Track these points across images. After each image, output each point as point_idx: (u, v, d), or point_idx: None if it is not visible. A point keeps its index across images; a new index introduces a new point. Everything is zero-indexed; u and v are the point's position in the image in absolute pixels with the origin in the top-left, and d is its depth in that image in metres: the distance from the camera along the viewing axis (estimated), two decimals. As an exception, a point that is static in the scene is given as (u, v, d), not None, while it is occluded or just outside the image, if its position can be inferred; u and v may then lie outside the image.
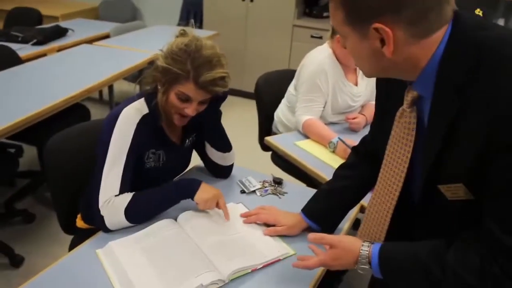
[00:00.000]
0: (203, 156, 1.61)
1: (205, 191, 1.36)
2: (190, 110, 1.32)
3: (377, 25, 0.79)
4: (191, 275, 1.10)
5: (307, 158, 1.84)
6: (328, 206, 1.31)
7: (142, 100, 1.37)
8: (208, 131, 1.54)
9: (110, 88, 3.56)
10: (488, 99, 0.76)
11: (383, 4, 0.78)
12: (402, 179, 1.01)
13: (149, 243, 1.24)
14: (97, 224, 1.30)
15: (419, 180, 0.96)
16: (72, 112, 2.45)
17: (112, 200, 1.28)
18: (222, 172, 1.62)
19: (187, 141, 1.54)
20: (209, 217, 1.38)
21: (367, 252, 1.01)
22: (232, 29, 4.33)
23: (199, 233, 1.28)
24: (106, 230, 1.29)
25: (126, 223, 1.29)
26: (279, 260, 1.23)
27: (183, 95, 1.29)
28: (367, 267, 1.01)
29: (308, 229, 1.34)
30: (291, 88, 2.26)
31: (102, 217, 1.27)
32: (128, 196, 1.30)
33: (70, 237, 1.58)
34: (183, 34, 1.32)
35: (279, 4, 4.10)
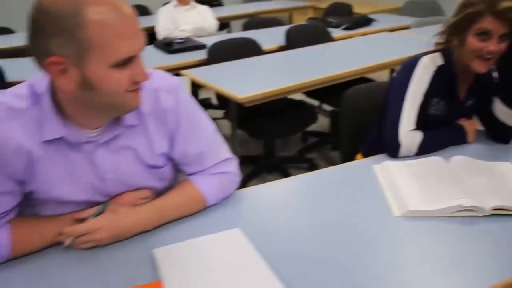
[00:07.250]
0: (484, 119, 1.65)
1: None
2: (492, 46, 1.37)
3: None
4: (451, 197, 1.24)
5: None
6: None
7: (438, 53, 1.54)
8: (506, 80, 1.50)
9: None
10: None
11: None
12: None
13: (418, 170, 1.41)
14: (388, 151, 1.52)
15: None
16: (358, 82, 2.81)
17: (408, 133, 1.48)
18: (507, 135, 1.60)
19: (468, 102, 1.62)
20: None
21: None
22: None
23: (465, 172, 1.37)
24: (397, 155, 1.49)
25: (413, 153, 1.50)
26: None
27: (483, 31, 1.37)
28: None
29: None
30: None
31: (399, 145, 1.48)
32: (418, 134, 1.50)
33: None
34: None
35: None
